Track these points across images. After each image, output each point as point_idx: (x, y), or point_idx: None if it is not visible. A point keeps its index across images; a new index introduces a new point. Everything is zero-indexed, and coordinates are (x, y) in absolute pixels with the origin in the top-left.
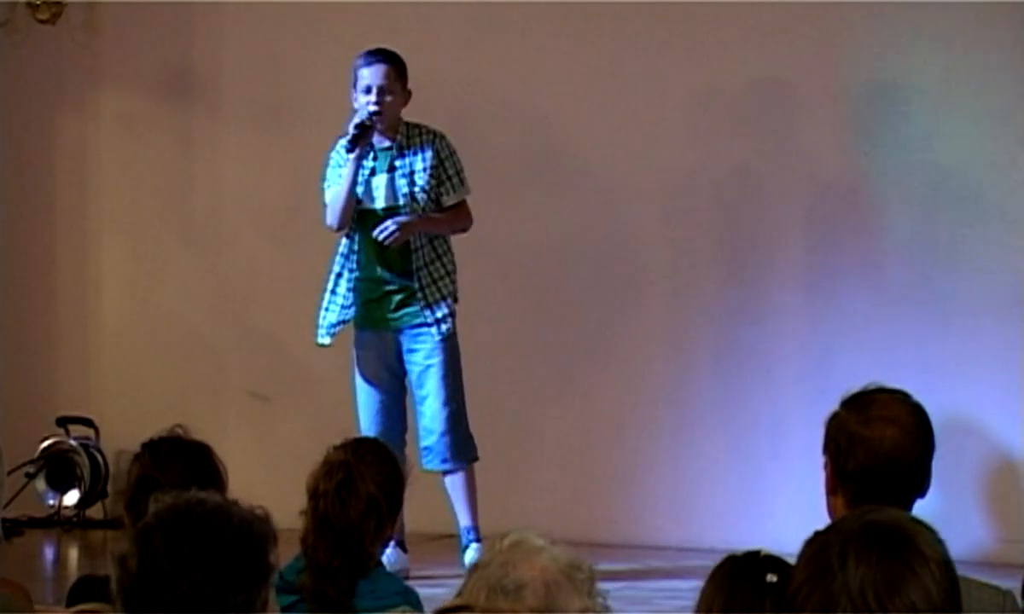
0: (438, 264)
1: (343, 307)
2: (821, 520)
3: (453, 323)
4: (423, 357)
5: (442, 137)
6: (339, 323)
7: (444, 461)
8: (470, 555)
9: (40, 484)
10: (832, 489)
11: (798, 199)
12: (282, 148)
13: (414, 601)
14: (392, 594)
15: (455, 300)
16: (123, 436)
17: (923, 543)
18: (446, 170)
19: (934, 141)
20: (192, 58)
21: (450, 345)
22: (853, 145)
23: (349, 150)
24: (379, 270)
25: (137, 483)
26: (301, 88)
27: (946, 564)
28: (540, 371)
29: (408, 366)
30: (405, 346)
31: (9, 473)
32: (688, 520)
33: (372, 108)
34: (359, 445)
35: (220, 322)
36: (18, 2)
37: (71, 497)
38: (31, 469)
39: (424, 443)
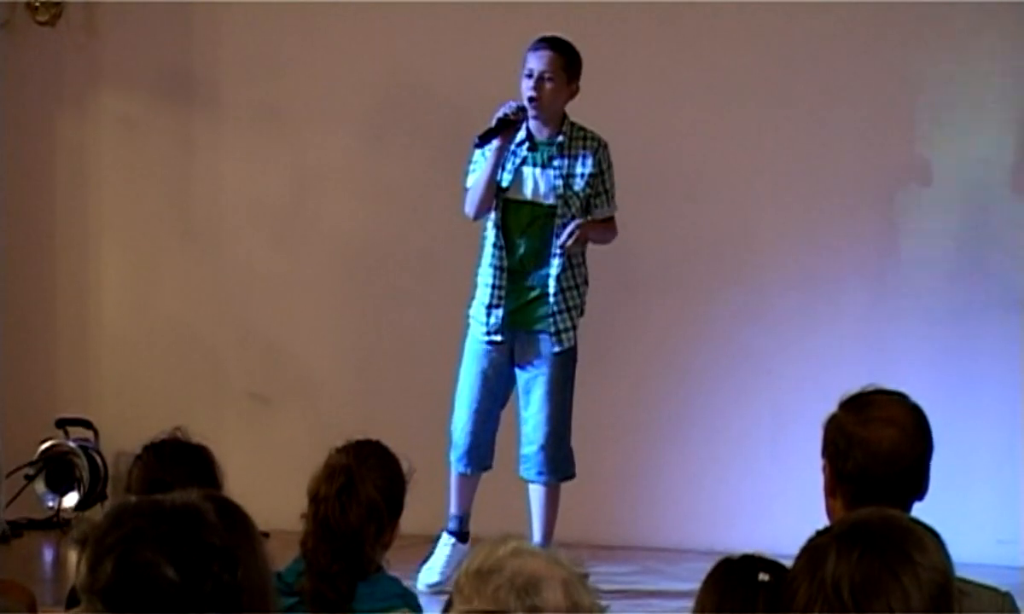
0: (571, 273)
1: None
2: (820, 522)
3: (575, 337)
4: (536, 365)
5: (606, 147)
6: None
7: (539, 474)
8: None
9: (39, 486)
10: (831, 491)
11: (796, 200)
12: (282, 148)
13: (413, 604)
14: (392, 597)
15: (581, 314)
16: (122, 438)
17: (913, 546)
18: (604, 182)
19: (935, 139)
20: (192, 58)
21: (566, 359)
22: (854, 146)
23: (479, 145)
24: (516, 266)
25: (148, 486)
26: (301, 88)
27: (936, 569)
28: None
29: (520, 369)
30: (520, 348)
31: (8, 475)
32: (688, 521)
33: (529, 94)
34: (361, 448)
35: (220, 323)
36: (18, 3)
37: (70, 499)
38: (30, 471)
39: (523, 451)
